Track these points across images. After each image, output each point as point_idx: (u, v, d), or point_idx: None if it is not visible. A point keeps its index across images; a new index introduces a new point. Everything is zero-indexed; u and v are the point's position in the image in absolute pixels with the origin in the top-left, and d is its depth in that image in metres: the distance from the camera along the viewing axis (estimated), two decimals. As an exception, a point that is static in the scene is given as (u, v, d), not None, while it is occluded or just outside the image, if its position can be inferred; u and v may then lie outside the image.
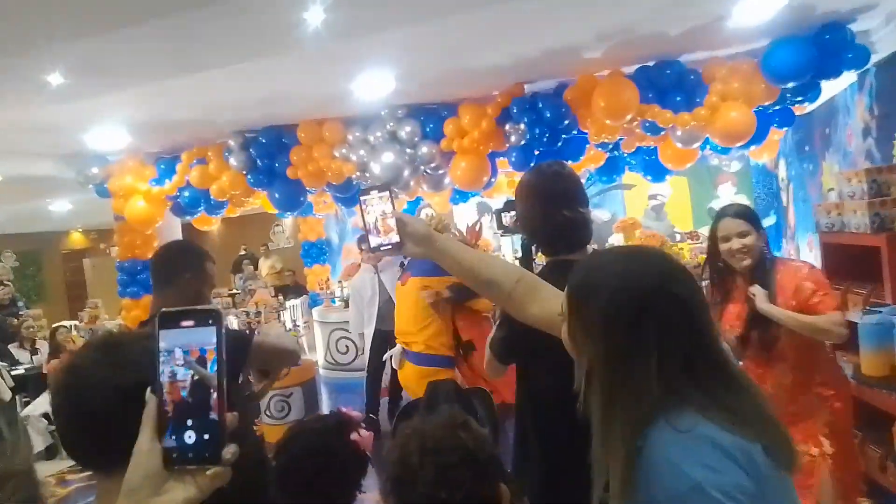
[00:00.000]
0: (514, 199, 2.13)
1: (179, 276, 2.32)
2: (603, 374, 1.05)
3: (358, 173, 5.38)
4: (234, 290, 10.83)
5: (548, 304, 1.43)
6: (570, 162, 5.62)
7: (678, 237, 8.08)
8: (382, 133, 5.26)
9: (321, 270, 10.06)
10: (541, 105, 4.89)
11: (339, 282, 9.06)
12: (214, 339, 0.81)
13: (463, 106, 5.10)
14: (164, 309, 0.84)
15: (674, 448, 0.97)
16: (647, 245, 5.79)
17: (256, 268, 12.01)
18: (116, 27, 2.82)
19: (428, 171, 5.41)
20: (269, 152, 5.51)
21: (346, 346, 7.83)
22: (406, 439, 1.03)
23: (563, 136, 5.01)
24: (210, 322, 0.82)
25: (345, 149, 5.36)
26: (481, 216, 10.71)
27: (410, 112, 5.21)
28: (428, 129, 5.19)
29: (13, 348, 6.92)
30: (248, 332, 2.51)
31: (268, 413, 5.96)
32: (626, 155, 6.35)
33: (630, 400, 1.02)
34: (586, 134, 5.21)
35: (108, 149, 5.63)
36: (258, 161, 5.53)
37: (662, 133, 5.03)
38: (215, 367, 0.81)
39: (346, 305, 8.07)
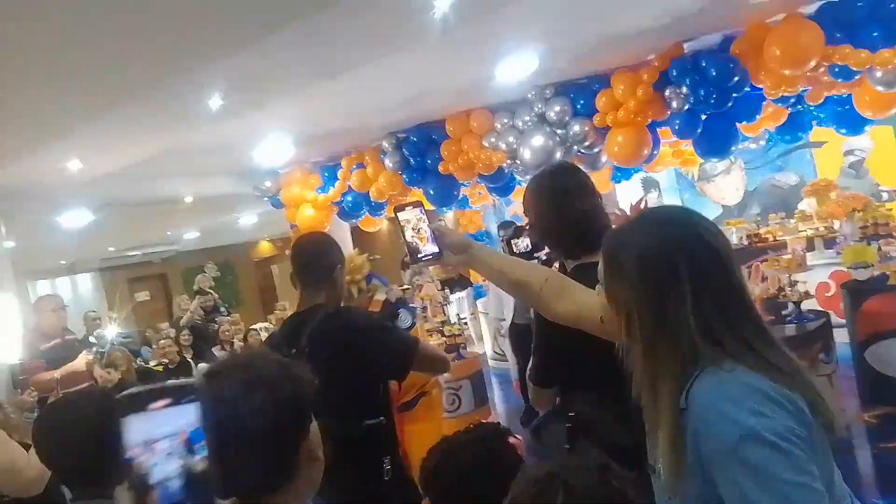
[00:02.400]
0: (519, 225, 1.99)
1: (331, 269, 2.26)
2: (642, 319, 1.06)
3: (508, 161, 5.24)
4: (405, 286, 11.20)
5: (575, 299, 1.48)
6: (744, 123, 5.04)
7: (885, 196, 6.97)
8: (530, 116, 5.06)
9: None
10: (704, 63, 4.40)
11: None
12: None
13: (615, 76, 4.75)
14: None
15: (720, 399, 0.98)
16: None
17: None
18: (258, 38, 2.92)
19: (582, 150, 5.12)
20: (420, 150, 5.55)
21: (514, 337, 7.73)
22: (546, 483, 0.86)
23: (734, 94, 4.47)
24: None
25: (493, 137, 5.24)
26: (647, 192, 10.10)
27: (558, 90, 4.95)
28: (579, 106, 4.90)
29: (215, 351, 7.68)
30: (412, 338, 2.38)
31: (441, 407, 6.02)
32: (811, 108, 5.55)
33: (671, 340, 1.04)
34: (761, 90, 4.61)
35: (276, 162, 6.02)
36: (411, 160, 5.60)
37: (857, 77, 4.30)
38: None
39: (510, 296, 7.99)
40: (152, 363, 6.86)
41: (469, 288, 9.99)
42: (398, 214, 1.54)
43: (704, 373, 1.02)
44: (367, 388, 2.15)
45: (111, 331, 4.85)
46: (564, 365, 1.81)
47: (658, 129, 5.01)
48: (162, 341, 7.25)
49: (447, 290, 9.78)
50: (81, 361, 4.48)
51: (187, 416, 1.05)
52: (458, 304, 9.30)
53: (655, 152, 5.16)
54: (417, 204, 1.58)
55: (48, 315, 4.67)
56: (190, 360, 6.94)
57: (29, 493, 1.87)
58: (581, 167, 5.51)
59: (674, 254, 1.06)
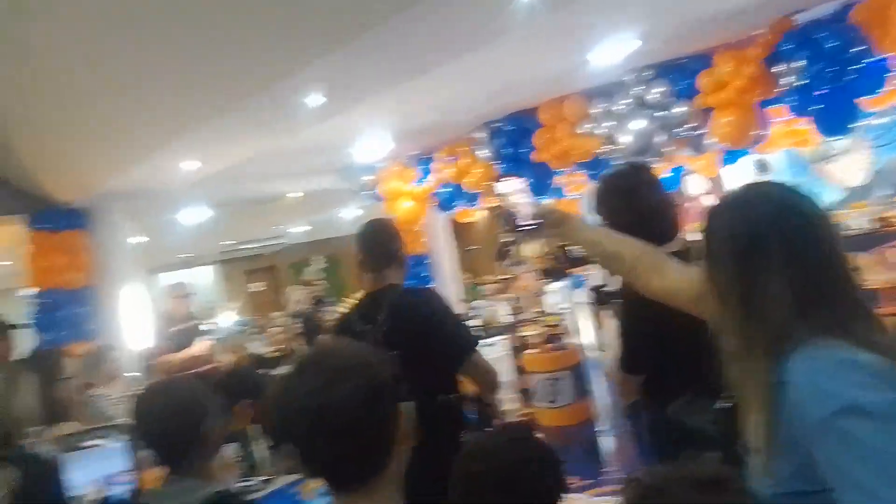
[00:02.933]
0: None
1: (399, 249, 2.44)
2: (734, 295, 1.05)
3: (605, 147, 5.11)
4: (499, 277, 11.20)
5: (670, 275, 1.48)
6: (866, 97, 4.64)
7: None
8: (628, 100, 4.91)
9: (582, 251, 9.87)
10: (820, 35, 4.09)
11: (601, 262, 8.77)
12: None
13: (719, 54, 4.51)
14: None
15: (817, 372, 0.95)
16: None
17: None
18: (354, 38, 3.01)
19: (684, 133, 4.91)
20: (514, 140, 5.53)
21: (614, 328, 7.56)
22: (652, 496, 0.85)
23: (853, 66, 4.13)
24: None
25: (588, 124, 5.13)
26: (759, 175, 9.51)
27: (658, 72, 4.77)
28: (680, 87, 4.70)
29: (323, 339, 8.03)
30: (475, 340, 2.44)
31: (538, 397, 6.01)
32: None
33: (763, 317, 1.02)
34: (884, 61, 4.23)
35: (374, 158, 6.19)
36: (504, 149, 5.59)
37: None
38: None
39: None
40: (264, 350, 7.27)
41: (568, 278, 9.83)
42: (497, 185, 1.59)
43: (800, 348, 0.99)
44: (439, 365, 2.21)
45: (228, 319, 5.19)
46: (653, 351, 1.82)
47: (769, 108, 4.71)
48: (273, 328, 7.68)
49: (545, 280, 9.68)
50: (201, 347, 4.84)
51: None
52: (557, 295, 9.18)
53: (765, 133, 4.86)
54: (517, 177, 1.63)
55: (176, 301, 5.07)
56: (297, 350, 7.29)
57: None
58: (682, 151, 5.31)
59: (765, 229, 1.04)
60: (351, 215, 11.63)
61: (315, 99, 3.62)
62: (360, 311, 2.42)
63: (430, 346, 2.18)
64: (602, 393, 6.85)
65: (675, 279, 1.46)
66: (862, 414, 0.89)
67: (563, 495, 1.27)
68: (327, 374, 0.95)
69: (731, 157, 7.24)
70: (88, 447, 1.49)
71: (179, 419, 1.54)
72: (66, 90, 3.85)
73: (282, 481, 6.18)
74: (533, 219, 1.59)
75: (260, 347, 7.26)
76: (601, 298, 2.34)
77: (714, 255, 1.11)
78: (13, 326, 3.68)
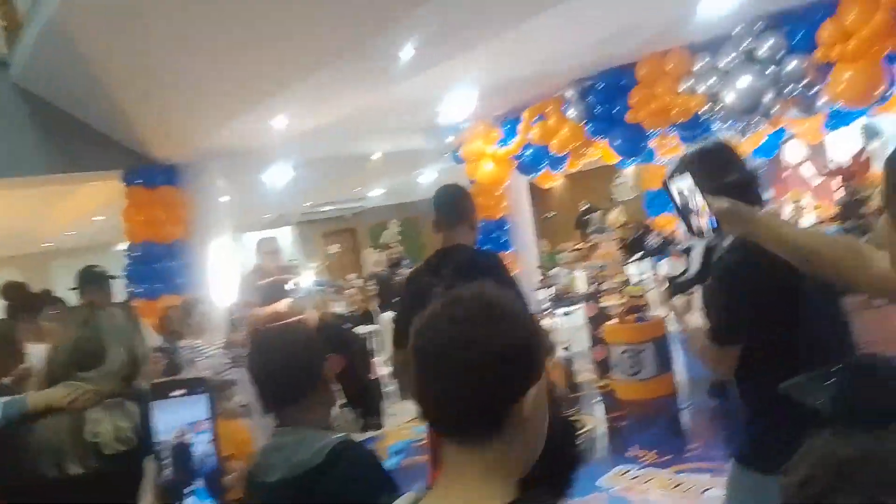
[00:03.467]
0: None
1: (470, 212, 2.65)
2: None
3: (708, 105, 4.77)
4: (579, 245, 10.93)
5: (875, 267, 1.32)
6: None
7: None
8: (736, 55, 4.54)
9: (667, 221, 9.47)
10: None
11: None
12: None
13: (845, 1, 4.08)
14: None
15: None
16: None
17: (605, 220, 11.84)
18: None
19: (798, 90, 4.51)
20: (608, 97, 5.25)
21: (702, 300, 7.21)
22: (858, 464, 0.71)
23: None
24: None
25: (691, 80, 4.79)
26: (869, 142, 8.77)
27: (771, 23, 4.38)
28: (796, 40, 4.30)
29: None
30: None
31: (619, 368, 5.81)
32: None
33: None
34: None
35: (459, 118, 6.05)
36: (596, 108, 5.32)
37: None
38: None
39: (700, 256, 7.42)
40: (340, 310, 7.35)
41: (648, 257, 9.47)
42: (668, 184, 1.49)
43: None
44: None
45: (308, 278, 5.24)
46: (752, 323, 1.76)
47: (894, 65, 4.26)
48: (348, 290, 7.77)
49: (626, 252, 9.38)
50: (283, 304, 4.91)
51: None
52: (642, 265, 8.86)
53: (892, 91, 4.40)
54: (683, 168, 1.49)
55: (266, 256, 5.16)
56: (371, 311, 7.34)
57: None
58: (790, 111, 4.89)
59: None
60: (429, 179, 11.59)
61: (407, 52, 3.49)
62: (428, 266, 2.63)
63: None
64: (683, 368, 6.61)
65: (883, 268, 1.29)
66: None
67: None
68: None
69: (838, 120, 6.70)
70: (175, 396, 1.45)
71: (302, 363, 1.51)
72: (166, 48, 3.88)
73: (356, 439, 6.32)
74: (712, 217, 1.47)
75: (338, 308, 7.35)
76: (679, 288, 2.15)
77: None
78: (113, 277, 3.83)
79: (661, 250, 6.41)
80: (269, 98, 4.03)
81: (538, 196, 12.37)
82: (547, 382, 0.90)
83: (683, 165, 1.53)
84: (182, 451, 1.45)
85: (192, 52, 3.79)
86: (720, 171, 1.84)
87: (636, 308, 5.84)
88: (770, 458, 1.68)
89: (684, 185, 1.48)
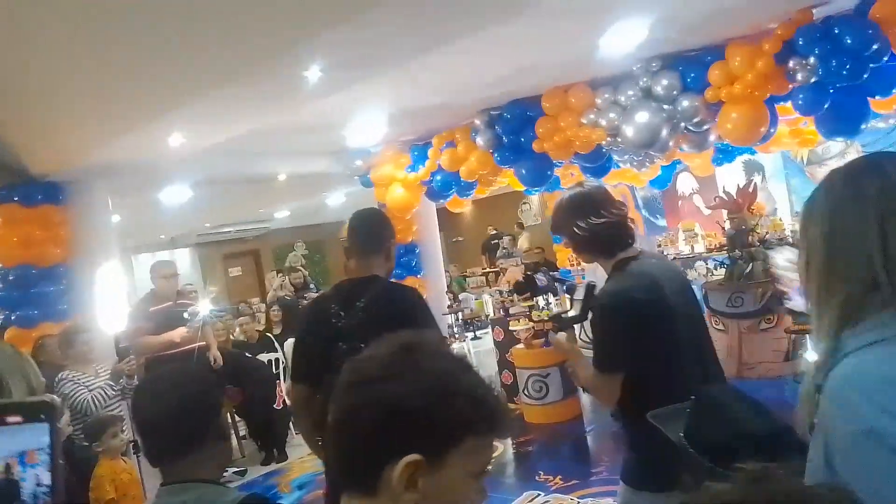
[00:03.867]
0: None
1: (388, 241, 2.46)
2: (822, 255, 1.00)
3: (609, 139, 4.96)
4: (486, 270, 11.08)
5: None
6: (878, 98, 4.54)
7: None
8: (635, 91, 4.76)
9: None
10: (837, 30, 3.97)
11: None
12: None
13: (731, 47, 4.37)
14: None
15: (854, 387, 0.90)
16: None
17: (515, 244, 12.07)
18: (358, 12, 2.82)
19: (690, 127, 4.77)
20: (515, 127, 5.35)
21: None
22: None
23: (871, 65, 4.02)
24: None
25: (593, 114, 4.97)
26: (751, 176, 9.45)
27: (667, 63, 4.62)
28: (689, 80, 4.56)
29: (304, 327, 7.81)
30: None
31: (526, 393, 5.87)
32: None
33: (841, 280, 0.96)
34: (901, 60, 4.13)
35: (368, 141, 5.98)
36: (504, 138, 5.41)
37: None
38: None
39: (601, 282, 7.68)
40: (241, 337, 7.03)
41: (556, 272, 9.72)
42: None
43: (850, 356, 0.93)
44: None
45: (205, 306, 4.95)
46: (630, 352, 1.92)
47: (777, 105, 4.60)
48: (241, 318, 7.46)
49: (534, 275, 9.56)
50: (178, 332, 4.62)
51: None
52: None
53: (773, 130, 4.74)
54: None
55: (161, 281, 4.82)
56: (271, 336, 7.07)
57: None
58: (683, 146, 5.17)
59: (860, 189, 1.00)
60: (337, 202, 11.41)
61: (313, 74, 3.39)
62: (337, 295, 2.39)
63: None
64: (590, 390, 6.79)
65: None
66: (879, 444, 0.85)
67: None
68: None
69: (725, 156, 7.18)
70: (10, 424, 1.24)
71: (195, 413, 1.36)
72: (45, 59, 3.59)
73: (257, 472, 5.99)
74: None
75: (239, 334, 7.02)
76: (563, 324, 2.34)
77: (813, 213, 1.06)
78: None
79: (549, 290, 6.58)
80: (163, 115, 3.79)
81: (446, 220, 12.49)
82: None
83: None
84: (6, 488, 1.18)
85: (74, 66, 3.52)
86: (588, 215, 2.05)
87: (542, 332, 5.93)
88: (656, 478, 1.84)
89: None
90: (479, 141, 5.52)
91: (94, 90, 3.70)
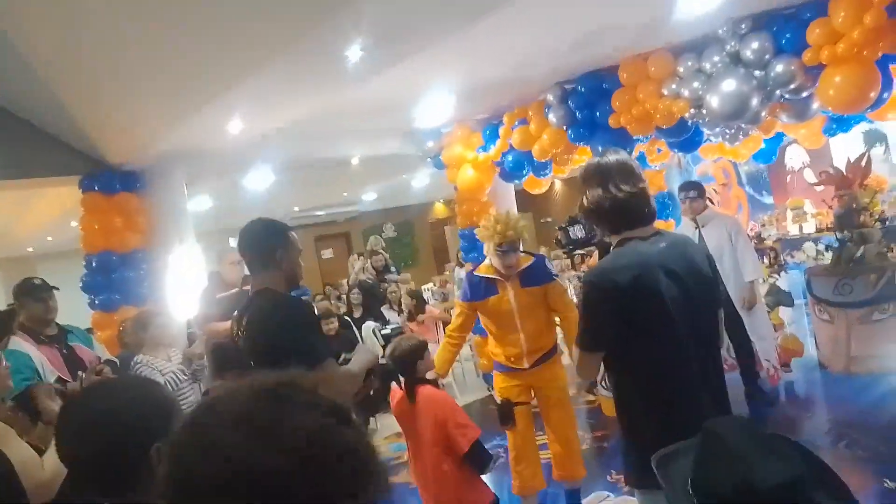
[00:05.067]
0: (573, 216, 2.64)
1: (275, 251, 2.28)
2: None
3: (692, 110, 4.51)
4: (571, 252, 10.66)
5: None
6: None
7: None
8: (721, 56, 4.28)
9: (665, 226, 9.19)
10: (966, -27, 3.35)
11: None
12: None
13: (835, 0, 3.82)
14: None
15: None
16: None
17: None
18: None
19: (787, 94, 4.25)
20: (589, 101, 5.00)
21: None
22: None
23: None
24: None
25: (675, 84, 4.53)
26: (871, 147, 8.47)
27: (758, 23, 4.12)
28: (784, 41, 4.04)
29: (384, 310, 7.84)
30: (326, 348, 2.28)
31: (603, 384, 5.56)
32: None
33: None
34: None
35: (437, 121, 5.81)
36: (577, 113, 5.07)
37: None
38: None
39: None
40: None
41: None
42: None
43: None
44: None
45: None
46: (611, 331, 1.91)
47: (893, 66, 3.99)
48: (321, 302, 7.55)
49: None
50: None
51: None
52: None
53: (886, 95, 4.12)
54: None
55: (229, 267, 4.90)
56: (349, 319, 7.10)
57: (41, 500, 1.69)
58: (782, 116, 4.65)
59: None
60: (422, 183, 11.38)
61: (355, 52, 3.25)
62: (238, 313, 2.34)
63: (277, 358, 2.00)
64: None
65: None
66: None
67: None
68: None
69: (840, 125, 6.42)
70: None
71: (125, 436, 1.19)
72: (105, 50, 3.68)
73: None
74: None
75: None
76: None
77: None
78: (54, 288, 3.63)
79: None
80: (219, 99, 3.80)
81: (534, 201, 12.14)
82: None
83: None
84: None
85: (130, 53, 3.58)
86: (594, 186, 1.99)
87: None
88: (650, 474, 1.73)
89: None
90: (552, 117, 5.21)
91: (146, 78, 3.75)
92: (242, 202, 9.21)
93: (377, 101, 4.89)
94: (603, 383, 5.57)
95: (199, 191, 7.12)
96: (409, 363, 3.06)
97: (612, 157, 2.04)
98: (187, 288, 4.99)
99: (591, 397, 6.01)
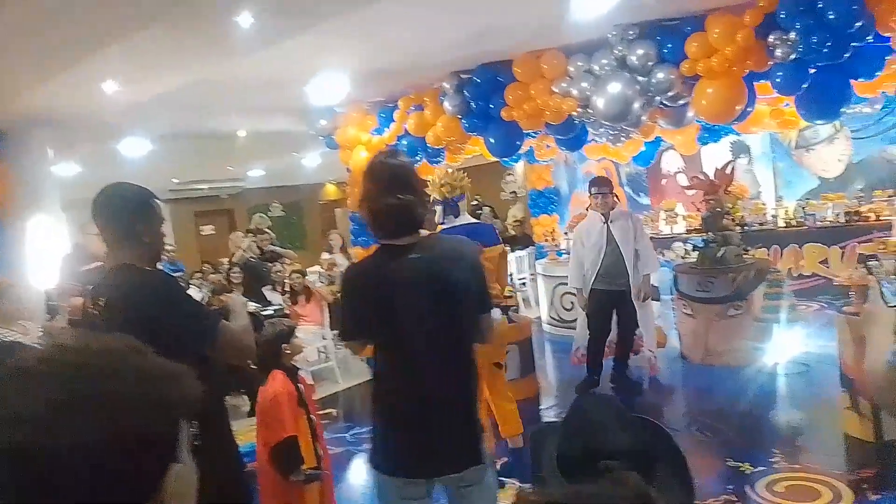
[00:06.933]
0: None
1: (136, 224, 2.00)
2: None
3: (580, 109, 4.70)
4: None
5: None
6: (861, 80, 4.30)
7: None
8: (609, 60, 4.49)
9: (549, 221, 9.56)
10: (821, 5, 3.70)
11: (566, 233, 8.49)
12: None
13: (711, 17, 4.10)
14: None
15: None
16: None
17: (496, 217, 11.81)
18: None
19: (665, 102, 4.52)
20: (484, 93, 5.08)
21: (572, 303, 7.27)
22: None
23: (853, 44, 3.77)
24: None
25: (565, 82, 4.70)
26: (736, 157, 9.23)
27: (644, 32, 4.35)
28: (666, 51, 4.29)
29: (267, 291, 7.59)
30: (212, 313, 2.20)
31: (484, 371, 5.71)
32: (947, 67, 4.71)
33: None
34: (887, 40, 3.89)
35: (331, 100, 5.68)
36: (473, 104, 5.14)
37: None
38: None
39: (573, 259, 7.49)
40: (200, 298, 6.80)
41: (531, 247, 9.53)
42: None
43: None
44: (176, 357, 1.83)
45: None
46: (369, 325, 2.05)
47: (756, 84, 4.35)
48: (215, 276, 7.21)
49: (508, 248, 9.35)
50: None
51: None
52: (517, 264, 8.86)
53: (750, 109, 4.50)
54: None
55: (92, 238, 4.56)
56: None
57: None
58: (660, 121, 4.94)
59: None
60: (313, 162, 11.10)
61: (245, 19, 3.11)
62: (93, 292, 2.07)
63: (151, 339, 1.87)
64: (554, 369, 6.64)
65: None
66: None
67: None
68: None
69: (711, 135, 6.94)
70: None
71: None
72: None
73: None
74: None
75: (197, 294, 6.79)
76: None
77: None
78: None
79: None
80: (92, 58, 3.50)
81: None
82: None
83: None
84: None
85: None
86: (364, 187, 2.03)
87: (504, 308, 5.74)
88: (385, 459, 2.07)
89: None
90: (447, 105, 5.25)
91: (18, 20, 3.37)
92: (115, 170, 8.58)
93: (268, 74, 4.70)
94: (484, 369, 5.72)
95: (68, 156, 6.55)
96: (273, 349, 2.95)
97: (390, 161, 2.06)
98: (48, 259, 4.59)
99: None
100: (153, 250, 2.08)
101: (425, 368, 2.00)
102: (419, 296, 1.96)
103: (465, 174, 4.12)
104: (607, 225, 5.19)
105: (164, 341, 1.87)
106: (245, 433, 5.48)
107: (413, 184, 2.03)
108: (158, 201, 2.13)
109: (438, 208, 3.97)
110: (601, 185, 5.21)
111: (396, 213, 1.97)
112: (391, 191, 1.96)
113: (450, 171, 4.14)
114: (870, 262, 1.26)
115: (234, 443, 2.27)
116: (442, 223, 4.02)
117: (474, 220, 4.30)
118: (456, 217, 4.00)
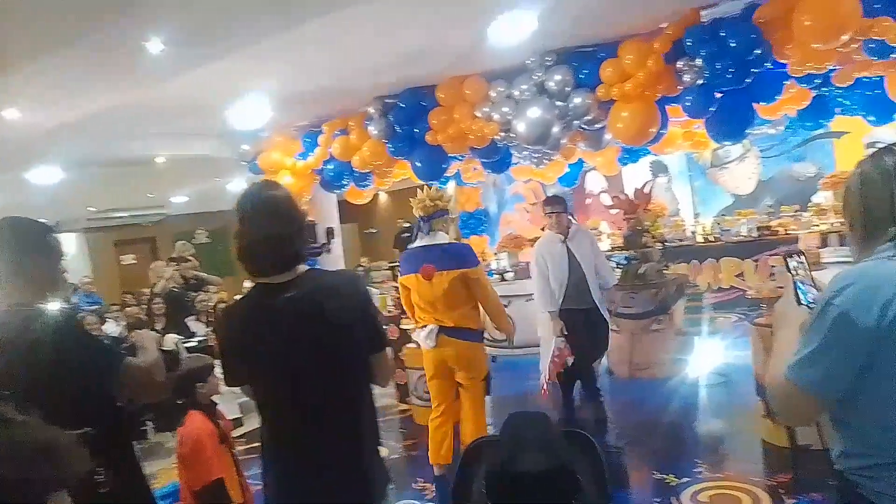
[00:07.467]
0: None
1: (17, 262, 1.89)
2: (859, 207, 1.41)
3: (502, 133, 4.79)
4: (393, 263, 10.80)
5: None
6: (763, 103, 4.57)
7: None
8: (529, 85, 4.60)
9: (479, 241, 9.65)
10: (723, 33, 3.92)
11: (496, 253, 8.59)
12: None
13: (624, 45, 4.28)
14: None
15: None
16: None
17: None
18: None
19: (584, 125, 4.66)
20: (409, 117, 5.11)
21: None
22: None
23: (753, 70, 4.00)
24: None
25: (487, 107, 4.78)
26: (656, 177, 9.61)
27: (560, 58, 4.49)
28: (582, 76, 4.44)
29: (190, 321, 7.31)
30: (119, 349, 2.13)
31: (415, 393, 5.66)
32: (837, 91, 5.07)
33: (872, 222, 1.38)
34: (784, 67, 4.15)
35: (253, 125, 5.58)
36: (398, 128, 5.15)
37: (894, 55, 3.83)
38: None
39: (503, 278, 7.56)
40: (114, 331, 6.51)
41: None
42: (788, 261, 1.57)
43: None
44: (74, 399, 1.74)
45: (74, 297, 4.46)
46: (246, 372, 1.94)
47: (668, 107, 4.56)
48: (128, 309, 6.92)
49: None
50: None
51: None
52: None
53: (663, 131, 4.70)
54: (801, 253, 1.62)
55: None
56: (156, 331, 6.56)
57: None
58: (580, 144, 5.07)
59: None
60: (239, 187, 10.84)
61: (155, 45, 3.02)
62: None
63: (58, 378, 1.78)
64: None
65: None
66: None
67: None
68: None
69: (631, 156, 7.20)
70: None
71: None
72: None
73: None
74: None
75: (114, 328, 6.48)
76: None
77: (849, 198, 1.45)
78: None
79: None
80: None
81: (355, 212, 12.13)
82: None
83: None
84: None
85: None
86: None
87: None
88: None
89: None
90: (373, 129, 5.25)
91: None
92: (27, 199, 8.16)
93: (185, 98, 4.59)
94: (415, 392, 5.68)
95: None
96: (186, 387, 2.80)
97: (260, 193, 1.91)
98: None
99: (405, 406, 6.08)
100: (48, 288, 1.94)
101: (306, 418, 1.84)
102: (295, 337, 1.81)
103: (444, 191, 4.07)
104: (566, 245, 4.92)
105: (59, 384, 1.75)
106: (169, 472, 5.25)
107: (286, 216, 1.87)
108: (55, 235, 2.00)
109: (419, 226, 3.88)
110: (554, 205, 4.88)
111: (266, 248, 1.82)
112: (260, 225, 1.82)
113: (431, 187, 3.93)
114: (790, 260, 1.27)
115: (145, 485, 2.16)
116: (414, 241, 3.94)
117: (452, 240, 4.11)
118: (428, 234, 3.85)
